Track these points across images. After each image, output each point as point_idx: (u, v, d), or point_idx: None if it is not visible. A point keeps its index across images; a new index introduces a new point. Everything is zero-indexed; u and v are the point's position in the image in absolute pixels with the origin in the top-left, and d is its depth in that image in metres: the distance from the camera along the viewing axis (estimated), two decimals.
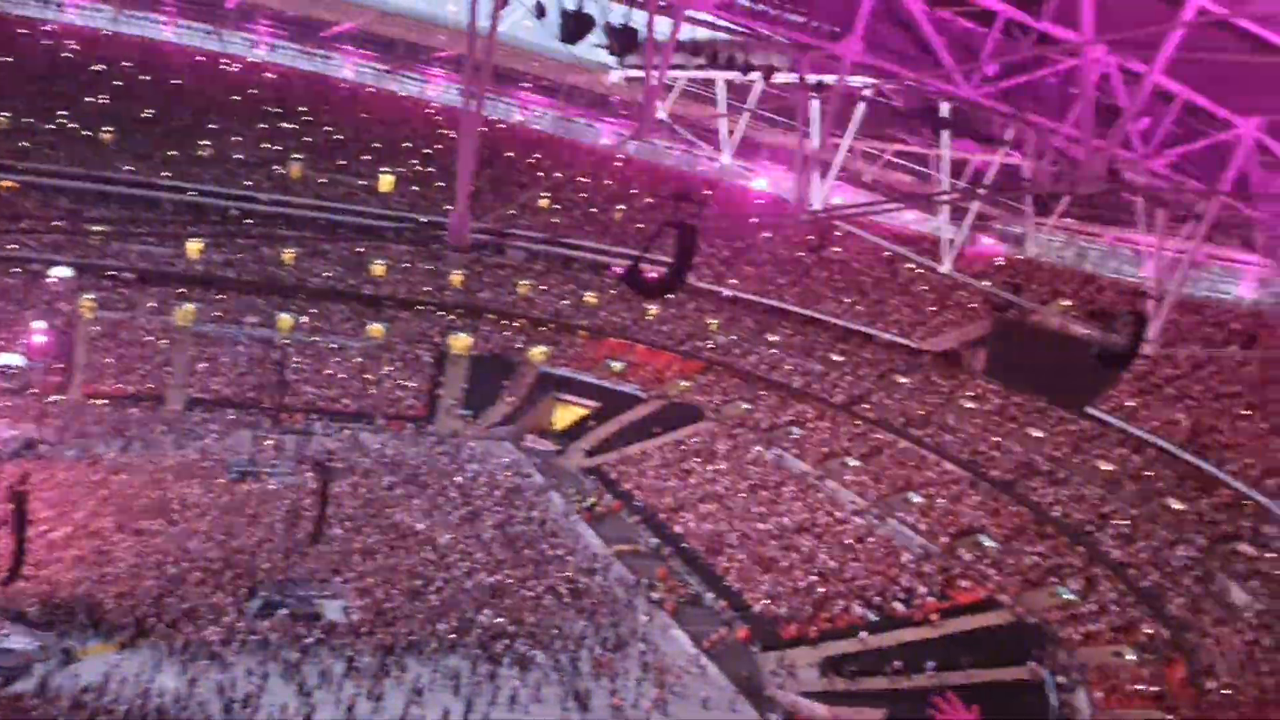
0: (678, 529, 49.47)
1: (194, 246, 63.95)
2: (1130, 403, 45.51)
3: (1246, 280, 45.25)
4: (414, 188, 71.95)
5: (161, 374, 57.66)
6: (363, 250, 69.87)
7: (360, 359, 63.69)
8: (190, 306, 61.78)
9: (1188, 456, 41.18)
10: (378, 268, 68.76)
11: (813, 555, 45.33)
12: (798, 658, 38.40)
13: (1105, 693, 33.36)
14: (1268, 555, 35.91)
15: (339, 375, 61.90)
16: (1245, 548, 36.92)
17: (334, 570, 38.64)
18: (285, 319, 63.33)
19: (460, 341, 66.93)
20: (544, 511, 49.88)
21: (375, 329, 65.71)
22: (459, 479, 51.92)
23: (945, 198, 29.08)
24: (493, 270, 72.36)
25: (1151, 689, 32.96)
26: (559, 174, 74.85)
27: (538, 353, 67.42)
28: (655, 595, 42.64)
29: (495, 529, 46.18)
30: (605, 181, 76.94)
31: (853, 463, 52.53)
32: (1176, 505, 40.94)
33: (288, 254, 67.21)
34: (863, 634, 39.10)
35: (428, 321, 68.47)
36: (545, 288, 71.65)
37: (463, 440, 58.62)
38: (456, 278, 70.16)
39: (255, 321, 63.19)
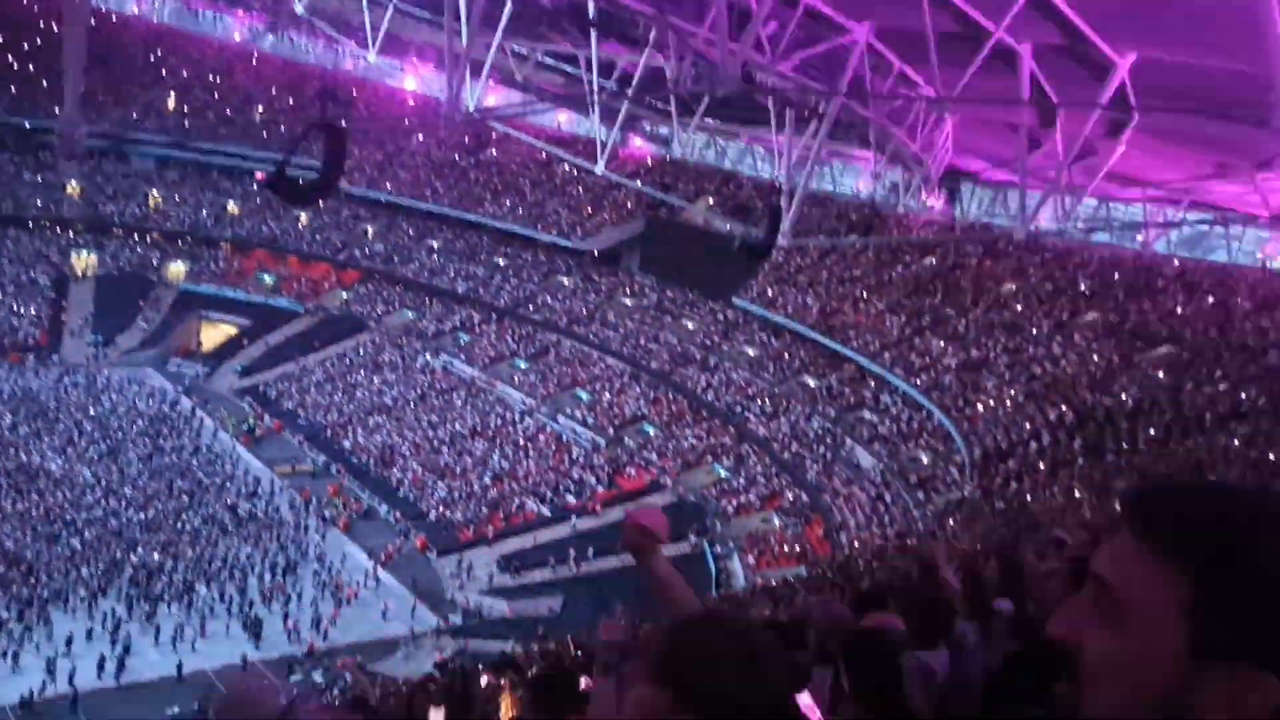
0: (346, 444, 48.28)
1: None
2: (769, 291, 49.38)
3: (863, 174, 49.98)
4: (11, 88, 62.77)
5: None
6: None
7: None
8: None
9: (818, 337, 45.51)
10: None
11: (486, 458, 45.95)
12: (476, 559, 39.09)
13: (756, 557, 36.83)
14: (886, 420, 40.79)
15: None
16: (868, 415, 41.67)
17: None
18: None
19: (84, 260, 60.13)
20: (196, 439, 46.85)
21: None
22: (95, 411, 47.41)
23: (595, 98, 29.56)
24: (117, 180, 65.08)
25: (795, 549, 36.78)
26: (186, 72, 68.15)
27: (176, 269, 62.02)
28: (327, 514, 41.58)
29: (142, 461, 42.87)
30: (239, 80, 70.94)
31: (521, 364, 53.36)
32: (810, 382, 45.31)
33: None
34: (574, 520, 40.55)
35: (42, 240, 60.83)
36: (180, 198, 65.53)
37: (97, 369, 53.24)
38: (74, 189, 62.55)
39: None
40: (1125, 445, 28.87)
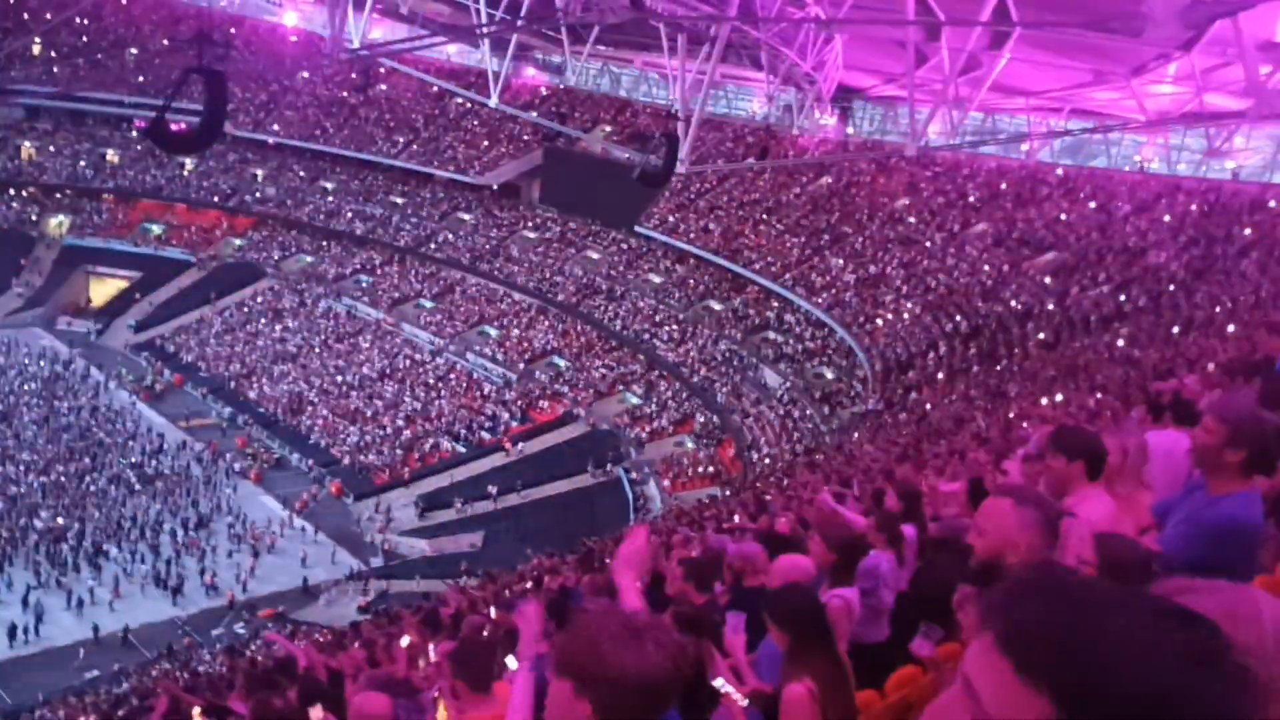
0: (252, 394, 47.41)
1: None
2: (671, 218, 49.55)
3: (757, 97, 50.14)
4: None
5: None
6: None
7: None
8: None
9: (721, 261, 45.98)
10: None
11: (397, 400, 45.66)
12: (393, 501, 39.09)
13: (672, 480, 37.57)
14: (791, 340, 41.67)
15: None
16: (773, 335, 42.49)
17: None
18: None
19: None
20: (93, 398, 45.49)
21: None
22: None
23: (485, 29, 29.01)
24: None
25: (709, 469, 37.61)
26: (49, 15, 64.32)
27: (56, 223, 59.36)
28: (237, 466, 40.99)
29: (37, 425, 41.57)
30: (109, 23, 67.27)
31: (426, 304, 52.77)
32: (716, 306, 45.90)
33: None
34: (518, 447, 40.98)
35: None
36: (55, 148, 62.39)
37: None
38: None
39: None
40: (1017, 350, 30.09)
